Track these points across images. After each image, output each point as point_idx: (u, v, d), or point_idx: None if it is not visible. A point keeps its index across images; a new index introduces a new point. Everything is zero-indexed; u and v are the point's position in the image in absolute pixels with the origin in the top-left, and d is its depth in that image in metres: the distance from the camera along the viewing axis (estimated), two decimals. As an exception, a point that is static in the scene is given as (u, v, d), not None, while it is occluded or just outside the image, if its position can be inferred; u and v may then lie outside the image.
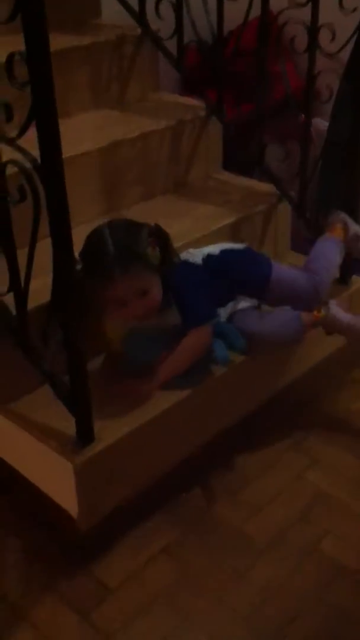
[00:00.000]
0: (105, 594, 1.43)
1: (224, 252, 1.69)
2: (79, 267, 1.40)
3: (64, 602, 1.42)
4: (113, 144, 1.90)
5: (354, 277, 1.99)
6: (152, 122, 2.02)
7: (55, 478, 1.47)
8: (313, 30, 1.85)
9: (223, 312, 1.67)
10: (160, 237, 1.51)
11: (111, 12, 2.24)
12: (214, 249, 1.69)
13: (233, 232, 1.93)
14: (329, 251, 1.82)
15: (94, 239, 1.48)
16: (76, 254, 1.31)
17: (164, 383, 1.55)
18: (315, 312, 1.70)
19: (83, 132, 1.94)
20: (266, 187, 2.08)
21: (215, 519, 1.58)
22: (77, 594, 1.43)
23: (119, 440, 1.45)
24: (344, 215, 1.88)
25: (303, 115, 1.97)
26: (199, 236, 1.84)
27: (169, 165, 2.06)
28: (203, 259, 1.65)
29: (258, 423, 1.78)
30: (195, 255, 1.65)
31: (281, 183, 2.05)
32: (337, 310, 1.70)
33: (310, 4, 1.81)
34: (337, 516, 1.58)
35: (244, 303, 1.70)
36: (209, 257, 1.65)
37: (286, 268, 1.81)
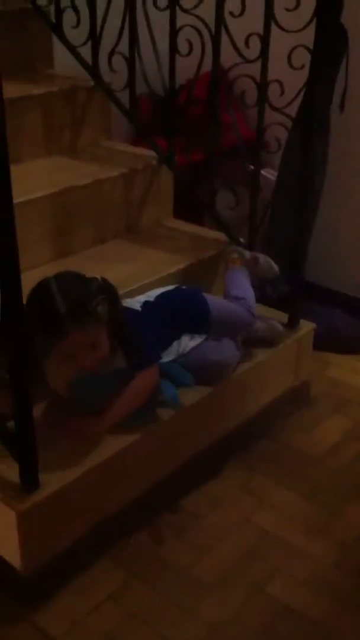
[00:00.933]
0: (48, 644, 1.41)
1: (158, 297, 1.72)
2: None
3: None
4: (64, 190, 1.93)
5: (302, 322, 2.04)
6: (104, 170, 2.07)
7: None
8: (262, 85, 1.92)
9: (172, 351, 1.69)
10: (108, 291, 1.51)
11: (63, 63, 2.29)
12: (145, 297, 1.72)
13: (183, 277, 1.96)
14: (240, 278, 1.92)
15: (42, 293, 1.45)
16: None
17: (113, 425, 1.56)
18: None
19: (34, 178, 1.97)
20: (215, 234, 2.13)
21: (162, 561, 1.57)
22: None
23: (64, 486, 1.44)
24: (234, 247, 2.02)
25: (251, 166, 2.03)
26: (149, 281, 1.87)
27: (121, 211, 2.10)
28: (141, 306, 1.67)
29: (207, 463, 1.79)
30: (131, 304, 1.67)
31: (230, 229, 2.10)
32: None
33: (260, 60, 1.87)
34: (283, 556, 1.59)
35: (192, 341, 1.73)
36: (145, 304, 1.68)
37: (219, 299, 1.85)
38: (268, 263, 1.99)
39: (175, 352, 1.70)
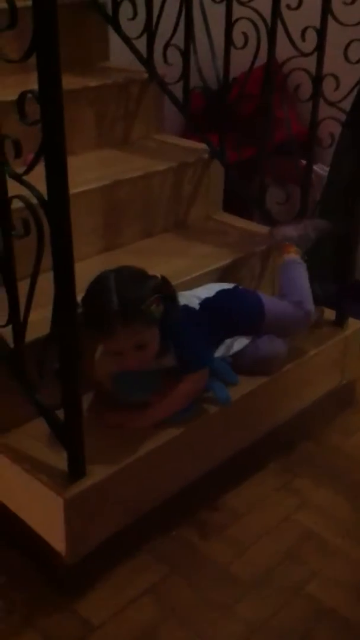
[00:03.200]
0: (87, 632, 1.41)
1: (219, 294, 1.71)
2: (79, 310, 1.41)
3: (44, 638, 1.40)
4: (115, 183, 1.93)
5: (350, 320, 2.01)
6: (155, 163, 2.06)
7: (44, 512, 1.47)
8: (317, 79, 1.90)
9: (222, 349, 1.68)
10: (166, 291, 1.51)
11: (119, 56, 2.29)
12: (205, 290, 1.71)
13: (230, 272, 1.95)
14: (295, 274, 1.86)
15: (98, 288, 1.46)
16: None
17: (155, 423, 1.57)
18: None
19: (87, 170, 1.97)
20: (265, 229, 2.11)
21: (202, 557, 1.57)
22: (58, 630, 1.41)
23: (110, 476, 1.45)
24: (277, 229, 1.95)
25: (304, 161, 2.01)
26: (196, 275, 1.86)
27: (170, 205, 2.09)
28: (200, 303, 1.66)
29: (249, 462, 1.78)
30: (188, 298, 1.66)
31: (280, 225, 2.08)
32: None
33: (315, 53, 1.85)
34: (324, 557, 1.58)
35: (237, 343, 1.72)
36: (206, 301, 1.66)
37: (275, 299, 1.83)
38: (315, 225, 1.94)
39: (223, 350, 1.68)
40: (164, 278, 1.52)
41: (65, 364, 1.32)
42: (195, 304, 1.65)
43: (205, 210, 2.19)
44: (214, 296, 1.70)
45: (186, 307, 1.61)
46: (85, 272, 1.51)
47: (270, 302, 1.79)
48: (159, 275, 1.51)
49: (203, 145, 2.17)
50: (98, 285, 1.47)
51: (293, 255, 1.89)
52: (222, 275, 1.93)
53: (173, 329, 1.53)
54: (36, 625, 1.42)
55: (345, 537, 1.63)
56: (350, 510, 1.71)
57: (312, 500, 1.73)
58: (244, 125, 2.09)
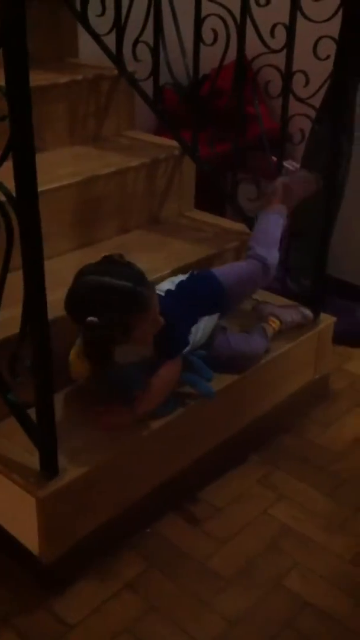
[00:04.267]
0: (64, 630, 1.41)
1: (180, 283, 1.72)
2: (94, 320, 1.41)
3: (21, 637, 1.39)
4: (89, 179, 1.93)
5: (323, 315, 2.02)
6: (128, 159, 2.06)
7: (17, 512, 1.46)
8: (287, 75, 1.90)
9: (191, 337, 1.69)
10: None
11: (88, 52, 2.29)
12: (167, 284, 1.72)
13: (204, 267, 1.95)
14: (272, 228, 1.86)
15: (100, 289, 1.44)
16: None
17: (145, 415, 1.57)
18: (272, 325, 1.87)
19: (60, 167, 1.97)
20: (237, 225, 2.12)
21: (182, 552, 1.58)
22: (35, 629, 1.41)
23: (84, 474, 1.45)
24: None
25: (274, 158, 2.02)
26: (171, 271, 1.86)
27: (143, 201, 2.09)
28: (165, 293, 1.66)
29: (227, 456, 1.79)
30: (161, 288, 1.67)
31: (252, 221, 2.09)
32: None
33: (285, 50, 1.86)
34: (302, 551, 1.59)
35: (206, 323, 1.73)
36: (169, 292, 1.67)
37: (226, 268, 1.83)
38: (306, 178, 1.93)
39: (191, 338, 1.68)
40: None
41: (36, 363, 1.31)
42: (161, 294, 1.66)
43: (178, 207, 2.20)
44: (176, 286, 1.70)
45: (162, 297, 1.61)
46: (59, 268, 1.52)
47: (223, 272, 1.79)
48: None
49: (174, 142, 2.17)
50: (97, 288, 1.45)
51: (277, 208, 1.89)
52: (196, 270, 1.93)
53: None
54: (13, 624, 1.42)
55: (323, 530, 1.64)
56: (327, 503, 1.72)
57: (290, 493, 1.74)
58: (216, 122, 2.10)
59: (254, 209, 2.13)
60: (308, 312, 1.96)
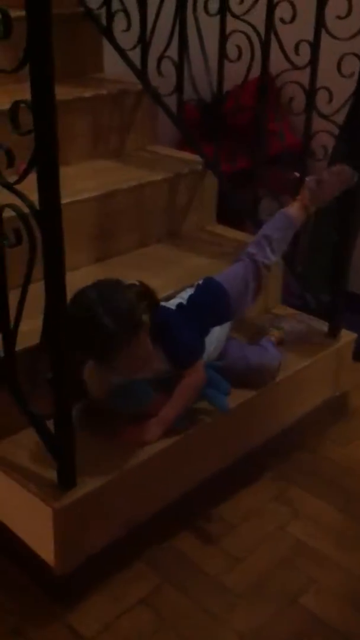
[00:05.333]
0: (80, 643, 1.41)
1: (196, 291, 1.72)
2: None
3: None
4: (110, 193, 1.94)
5: (343, 332, 2.01)
6: (149, 174, 2.07)
7: (33, 523, 1.46)
8: (311, 92, 1.91)
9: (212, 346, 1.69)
10: (148, 296, 1.49)
11: (113, 67, 2.31)
12: (180, 298, 1.71)
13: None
14: (275, 229, 1.83)
15: (86, 310, 1.40)
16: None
17: (169, 427, 1.56)
18: (274, 335, 1.89)
19: (81, 180, 1.98)
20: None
21: (196, 567, 1.56)
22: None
23: (101, 486, 1.45)
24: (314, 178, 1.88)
25: (297, 173, 2.02)
26: (188, 284, 1.87)
27: (164, 215, 2.10)
28: (176, 307, 1.66)
29: (243, 472, 1.78)
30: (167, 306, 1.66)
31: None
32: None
33: (309, 67, 1.87)
34: (317, 569, 1.57)
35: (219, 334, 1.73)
36: (179, 305, 1.67)
37: (225, 272, 1.80)
38: (340, 173, 1.85)
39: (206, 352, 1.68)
40: (142, 283, 1.50)
41: (55, 374, 1.32)
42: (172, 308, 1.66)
43: (199, 221, 2.20)
44: (187, 300, 1.70)
45: (167, 310, 1.61)
46: (78, 281, 1.51)
47: (223, 276, 1.77)
48: (137, 282, 1.50)
49: (197, 157, 2.18)
50: (83, 307, 1.41)
51: (295, 211, 1.85)
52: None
53: (161, 329, 1.53)
54: (26, 636, 1.41)
55: (337, 547, 1.63)
56: (343, 520, 1.70)
57: (305, 510, 1.73)
58: (238, 136, 2.10)
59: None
60: (315, 324, 1.94)
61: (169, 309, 1.64)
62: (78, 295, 1.44)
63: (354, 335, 2.02)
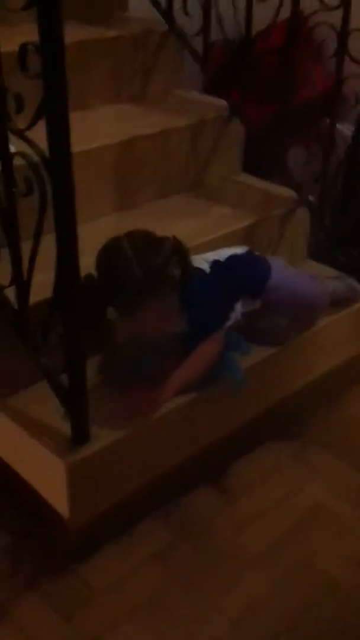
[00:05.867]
0: (90, 595, 1.41)
1: (229, 259, 1.65)
2: (93, 275, 1.38)
3: (46, 601, 1.39)
4: (130, 140, 1.87)
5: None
6: (173, 120, 1.99)
7: (48, 476, 1.45)
8: (343, 34, 1.81)
9: (232, 316, 1.63)
10: (181, 253, 1.46)
11: (138, 5, 2.21)
12: (215, 255, 1.65)
13: (248, 235, 1.89)
14: None
15: (116, 259, 1.40)
16: (87, 259, 1.29)
17: (178, 391, 1.52)
18: None
19: (101, 126, 1.92)
20: (285, 191, 2.04)
21: (209, 526, 1.55)
22: (61, 593, 1.41)
23: (115, 442, 1.43)
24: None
25: (328, 119, 1.93)
26: (212, 237, 1.81)
27: (187, 164, 2.03)
28: (210, 266, 1.60)
29: (259, 430, 1.75)
30: (199, 262, 1.60)
31: (301, 187, 2.01)
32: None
33: (341, 8, 1.76)
34: (333, 530, 1.55)
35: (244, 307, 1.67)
36: (215, 263, 1.61)
37: (291, 274, 1.75)
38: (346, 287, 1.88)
39: (232, 317, 1.63)
40: (175, 238, 1.46)
41: (68, 329, 1.29)
42: (205, 267, 1.60)
43: (224, 171, 2.12)
44: (224, 260, 1.64)
45: (197, 271, 1.56)
46: (97, 232, 1.48)
47: (283, 273, 1.71)
48: (170, 236, 1.46)
49: (223, 102, 2.09)
50: (114, 255, 1.41)
51: None
52: (239, 237, 1.87)
53: (187, 291, 1.49)
54: (40, 588, 1.42)
55: (355, 508, 1.59)
56: (361, 482, 1.67)
57: (323, 470, 1.70)
58: (267, 80, 2.01)
59: (303, 174, 2.06)
60: (356, 285, 1.89)
61: (200, 269, 1.57)
62: (112, 242, 1.43)
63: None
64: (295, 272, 1.79)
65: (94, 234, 1.43)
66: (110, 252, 1.42)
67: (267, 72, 2.04)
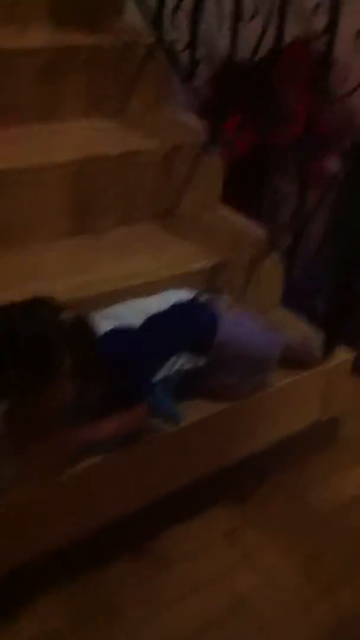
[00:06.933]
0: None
1: (171, 308, 1.47)
2: None
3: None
4: (90, 158, 1.70)
5: (340, 349, 1.74)
6: (145, 140, 1.81)
7: None
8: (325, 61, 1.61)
9: (164, 369, 1.44)
10: (80, 335, 1.25)
11: (133, 16, 2.03)
12: (160, 300, 1.47)
13: (212, 276, 1.71)
14: None
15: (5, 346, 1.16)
16: None
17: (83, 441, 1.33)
18: None
19: (64, 141, 1.76)
20: (259, 231, 1.83)
21: (113, 610, 1.35)
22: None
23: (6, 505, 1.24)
24: None
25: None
26: (167, 276, 1.64)
27: (157, 190, 1.84)
28: (145, 321, 1.42)
29: (197, 498, 1.54)
30: (134, 311, 1.42)
31: (277, 227, 1.81)
32: None
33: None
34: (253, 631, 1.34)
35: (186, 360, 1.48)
36: (152, 317, 1.43)
37: (241, 326, 1.55)
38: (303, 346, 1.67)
39: (165, 370, 1.44)
40: (77, 319, 1.25)
41: None
42: (138, 319, 1.41)
43: (200, 200, 1.92)
44: (163, 311, 1.45)
45: (118, 331, 1.36)
46: (46, 258, 1.39)
47: (231, 326, 1.51)
48: (68, 317, 1.24)
49: (202, 126, 1.88)
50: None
51: None
52: (201, 278, 1.69)
53: (104, 355, 1.30)
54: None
55: (281, 612, 1.38)
56: (299, 578, 1.46)
57: (259, 558, 1.49)
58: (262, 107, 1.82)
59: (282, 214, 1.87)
60: (315, 346, 1.68)
61: (125, 332, 1.38)
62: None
63: (351, 354, 1.73)
64: (245, 320, 1.59)
65: (46, 257, 1.36)
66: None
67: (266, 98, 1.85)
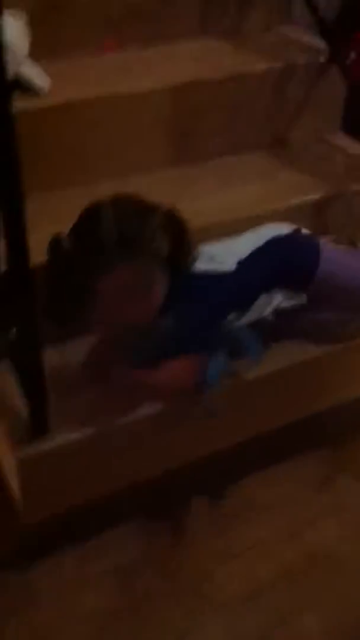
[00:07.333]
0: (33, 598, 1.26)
1: (266, 244, 1.35)
2: (68, 243, 1.18)
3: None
4: (196, 82, 1.61)
5: None
6: (257, 60, 1.69)
7: (8, 463, 1.30)
8: None
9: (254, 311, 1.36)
10: (173, 226, 1.21)
11: None
12: (254, 234, 1.36)
13: (316, 212, 1.58)
14: None
15: (93, 217, 1.19)
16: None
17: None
18: None
19: (172, 63, 1.67)
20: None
21: (181, 558, 1.32)
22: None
23: (77, 440, 1.23)
24: None
25: None
26: (271, 210, 1.53)
27: (267, 117, 1.71)
28: (237, 264, 1.31)
29: (280, 445, 1.47)
30: (222, 255, 1.31)
31: None
32: None
33: None
34: (330, 584, 1.28)
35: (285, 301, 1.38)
36: (243, 262, 1.32)
37: (348, 257, 1.43)
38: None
39: (256, 312, 1.35)
40: (170, 211, 1.21)
41: (21, 308, 1.10)
42: (228, 263, 1.31)
43: (316, 128, 1.78)
44: (257, 250, 1.34)
45: (206, 276, 1.28)
46: (145, 185, 1.28)
47: (337, 258, 1.39)
48: (164, 208, 1.21)
49: (322, 45, 1.73)
50: (93, 215, 1.19)
51: None
52: (308, 212, 1.57)
53: (183, 297, 1.25)
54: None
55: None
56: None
57: (348, 509, 1.41)
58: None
59: None
60: None
61: (213, 278, 1.30)
62: (92, 205, 1.20)
63: None
64: (351, 255, 1.46)
65: (145, 185, 1.25)
66: (86, 216, 1.19)
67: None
